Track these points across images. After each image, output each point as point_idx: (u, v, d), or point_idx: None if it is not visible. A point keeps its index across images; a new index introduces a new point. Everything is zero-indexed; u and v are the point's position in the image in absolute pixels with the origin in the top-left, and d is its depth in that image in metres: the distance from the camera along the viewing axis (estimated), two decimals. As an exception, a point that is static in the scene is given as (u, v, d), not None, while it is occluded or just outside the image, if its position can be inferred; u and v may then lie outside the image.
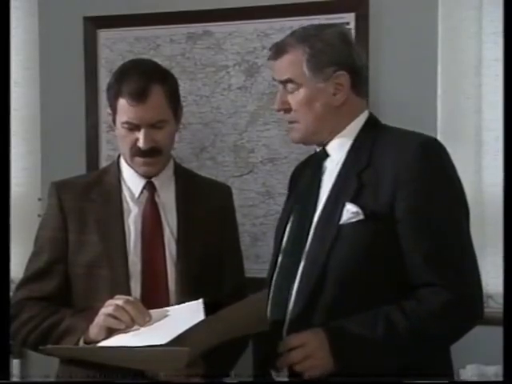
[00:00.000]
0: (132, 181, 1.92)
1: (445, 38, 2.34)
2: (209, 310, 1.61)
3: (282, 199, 2.22)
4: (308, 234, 1.71)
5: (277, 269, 1.79)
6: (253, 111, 2.52)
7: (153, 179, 1.91)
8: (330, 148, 1.78)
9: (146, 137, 1.82)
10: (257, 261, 2.48)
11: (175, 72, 2.06)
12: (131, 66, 1.89)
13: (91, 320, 1.71)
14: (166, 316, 1.69)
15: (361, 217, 1.64)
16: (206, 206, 1.93)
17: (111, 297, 1.72)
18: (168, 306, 1.76)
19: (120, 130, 1.86)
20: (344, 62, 1.73)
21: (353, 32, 2.32)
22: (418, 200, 1.62)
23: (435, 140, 1.74)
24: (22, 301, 1.86)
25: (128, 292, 1.78)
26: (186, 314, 1.64)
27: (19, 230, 2.39)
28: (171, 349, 1.50)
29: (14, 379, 2.62)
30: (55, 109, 2.69)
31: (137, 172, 1.90)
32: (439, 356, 1.68)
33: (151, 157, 1.85)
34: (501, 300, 1.99)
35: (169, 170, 1.95)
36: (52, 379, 1.93)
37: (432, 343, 1.63)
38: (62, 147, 2.68)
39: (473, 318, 1.65)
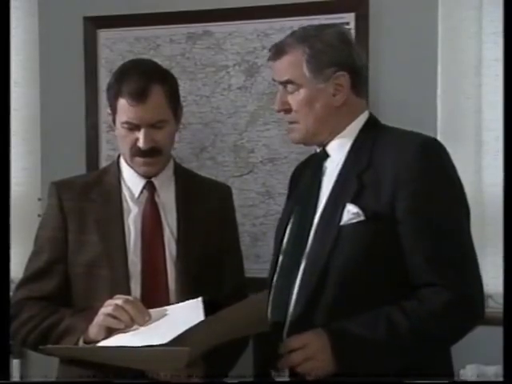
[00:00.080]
0: (132, 181, 1.92)
1: (445, 38, 2.34)
2: (209, 309, 1.61)
3: (282, 199, 2.22)
4: (308, 235, 1.71)
5: (277, 269, 1.78)
6: (253, 111, 2.52)
7: (153, 179, 1.91)
8: (330, 148, 1.78)
9: (146, 137, 1.82)
10: (257, 261, 2.48)
11: (175, 72, 2.06)
12: (131, 65, 1.89)
13: (91, 320, 1.71)
14: (165, 315, 1.69)
15: (361, 217, 1.63)
16: (206, 205, 1.93)
17: (111, 297, 1.72)
18: (168, 305, 1.76)
19: (120, 130, 1.86)
20: (344, 62, 1.73)
21: (353, 32, 2.32)
22: (419, 200, 1.62)
23: (435, 140, 1.75)
24: (22, 301, 1.86)
25: (128, 292, 1.78)
26: (186, 313, 1.64)
27: (19, 230, 2.39)
28: (171, 349, 1.50)
29: (14, 379, 2.62)
30: (55, 109, 2.69)
31: (137, 172, 1.90)
32: (440, 356, 1.68)
33: (151, 157, 1.85)
34: (501, 300, 1.99)
35: (169, 170, 1.95)
36: (52, 379, 1.93)
37: (433, 343, 1.62)
38: (61, 147, 2.68)
39: (474, 318, 1.65)
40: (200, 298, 1.68)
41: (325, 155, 1.78)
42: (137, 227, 1.87)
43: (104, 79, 2.54)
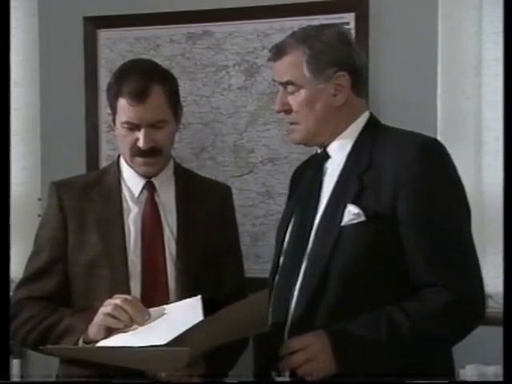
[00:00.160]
0: (132, 181, 1.92)
1: (445, 38, 2.34)
2: (208, 308, 1.61)
3: (281, 199, 2.23)
4: (310, 236, 1.71)
5: (278, 270, 1.78)
6: (253, 111, 2.52)
7: (153, 179, 1.91)
8: (330, 149, 1.78)
9: (146, 137, 1.82)
10: (257, 261, 2.48)
11: (175, 72, 2.06)
12: (131, 65, 1.89)
13: (90, 320, 1.71)
14: (164, 314, 1.69)
15: (362, 218, 1.63)
16: (205, 206, 1.93)
17: (111, 297, 1.71)
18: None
19: (120, 129, 1.86)
20: (344, 62, 1.73)
21: (353, 32, 2.32)
22: (419, 200, 1.62)
23: (435, 140, 1.75)
24: (22, 300, 1.86)
25: (128, 292, 1.78)
26: (185, 311, 1.64)
27: (19, 230, 2.39)
28: (171, 349, 1.50)
29: (14, 379, 2.62)
30: (55, 109, 2.69)
31: (137, 172, 1.90)
32: (441, 356, 1.67)
33: (151, 157, 1.85)
34: (501, 300, 1.99)
35: (169, 170, 1.95)
36: (52, 379, 1.93)
37: (434, 344, 1.62)
38: (61, 147, 2.68)
39: (474, 318, 1.65)
40: (199, 297, 1.68)
41: (325, 156, 1.78)
42: (137, 227, 1.87)
43: (104, 79, 2.54)
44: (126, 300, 1.68)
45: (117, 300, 1.68)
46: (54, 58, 2.68)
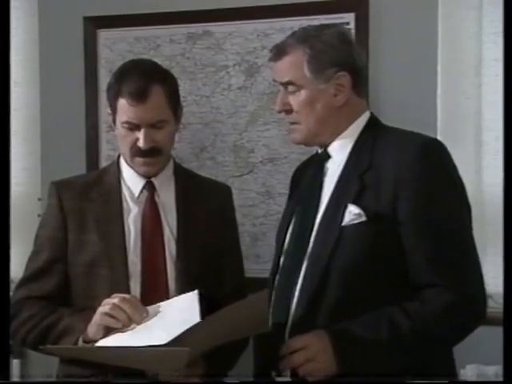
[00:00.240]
0: (132, 181, 1.92)
1: (445, 38, 2.34)
2: (207, 306, 1.61)
3: (281, 199, 2.23)
4: (310, 236, 1.71)
5: (279, 270, 1.78)
6: (253, 111, 2.52)
7: (152, 179, 1.91)
8: (331, 149, 1.78)
9: (146, 137, 1.82)
10: (257, 261, 2.48)
11: (175, 72, 2.06)
12: (131, 66, 1.89)
13: (90, 319, 1.71)
14: (162, 311, 1.69)
15: (363, 218, 1.63)
16: (205, 205, 1.93)
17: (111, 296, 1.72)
18: (167, 304, 1.77)
19: (120, 129, 1.86)
20: (344, 62, 1.73)
21: (353, 32, 2.32)
22: (420, 200, 1.62)
23: (436, 140, 1.75)
24: (22, 300, 1.86)
25: (128, 292, 1.78)
26: (182, 306, 1.64)
27: (19, 230, 2.39)
28: (171, 349, 1.50)
29: (14, 379, 2.62)
30: (55, 109, 2.69)
31: (137, 172, 1.90)
32: (442, 356, 1.67)
33: (151, 157, 1.85)
34: (501, 300, 1.99)
35: (169, 170, 1.95)
36: (52, 379, 1.93)
37: (435, 344, 1.62)
38: (61, 147, 2.68)
39: (475, 319, 1.65)
40: (196, 291, 1.68)
41: (326, 156, 1.78)
42: (137, 227, 1.87)
43: (104, 79, 2.54)
44: (123, 299, 1.68)
45: (115, 299, 1.68)
46: (53, 58, 2.68)
